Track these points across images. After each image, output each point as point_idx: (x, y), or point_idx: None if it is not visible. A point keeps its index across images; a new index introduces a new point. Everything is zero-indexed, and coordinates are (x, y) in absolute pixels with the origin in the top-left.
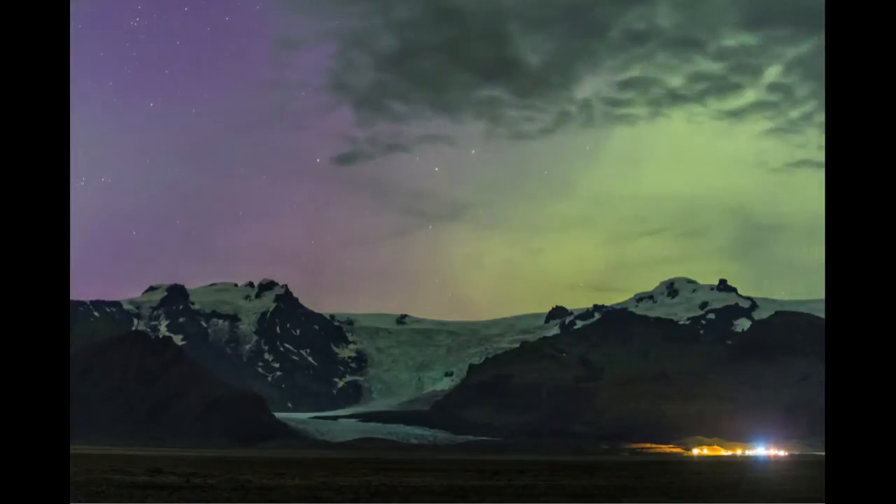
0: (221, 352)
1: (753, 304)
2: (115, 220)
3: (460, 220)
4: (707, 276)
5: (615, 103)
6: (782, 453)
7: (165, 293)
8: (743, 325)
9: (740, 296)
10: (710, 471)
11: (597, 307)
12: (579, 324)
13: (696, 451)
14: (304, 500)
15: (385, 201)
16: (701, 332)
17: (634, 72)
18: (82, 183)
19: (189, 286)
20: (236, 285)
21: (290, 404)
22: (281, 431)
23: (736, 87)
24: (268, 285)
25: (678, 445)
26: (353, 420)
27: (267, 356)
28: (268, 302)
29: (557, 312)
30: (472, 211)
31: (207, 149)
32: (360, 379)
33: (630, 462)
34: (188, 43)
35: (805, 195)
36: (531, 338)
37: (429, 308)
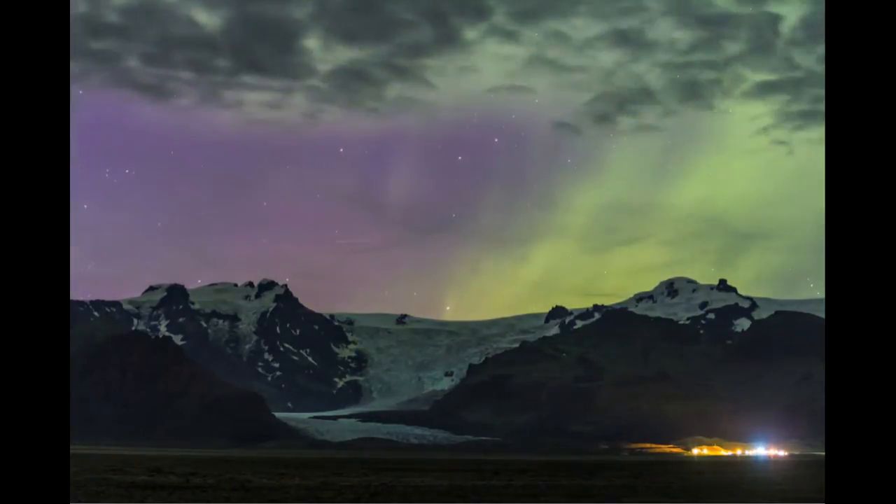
0: (221, 352)
1: (753, 304)
2: (126, 216)
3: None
4: (707, 277)
5: None
6: (782, 453)
7: (165, 293)
8: (743, 325)
9: (740, 296)
10: (710, 471)
11: (597, 307)
12: (579, 324)
13: (696, 451)
14: (304, 500)
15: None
16: (701, 332)
17: None
18: (107, 174)
19: (189, 286)
20: (236, 285)
21: (290, 404)
22: (281, 431)
23: None
24: (267, 285)
25: (678, 445)
26: (352, 420)
27: (267, 356)
28: (268, 302)
29: (557, 312)
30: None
31: (209, 149)
32: (360, 379)
33: (630, 462)
34: None
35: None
36: (531, 338)
37: (429, 308)
